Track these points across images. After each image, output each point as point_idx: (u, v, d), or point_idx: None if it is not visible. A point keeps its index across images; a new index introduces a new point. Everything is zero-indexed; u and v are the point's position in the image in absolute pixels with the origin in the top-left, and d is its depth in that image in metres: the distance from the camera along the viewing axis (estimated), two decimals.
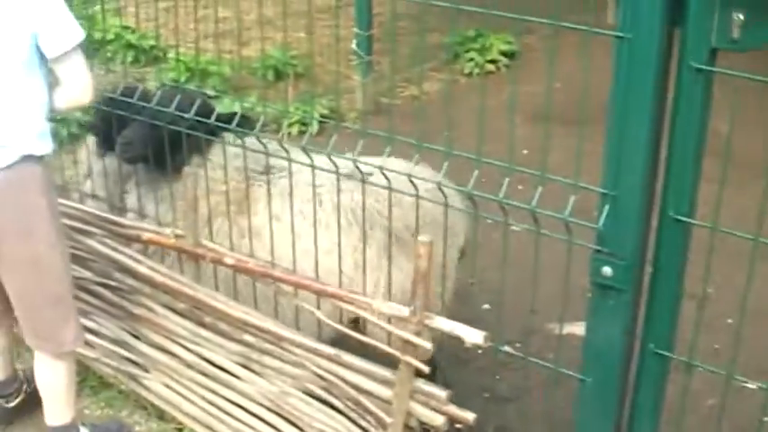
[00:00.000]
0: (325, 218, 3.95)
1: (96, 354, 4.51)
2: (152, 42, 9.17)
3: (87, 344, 4.55)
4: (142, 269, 4.12)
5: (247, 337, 3.87)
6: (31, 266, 3.76)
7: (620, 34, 2.73)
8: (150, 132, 4.10)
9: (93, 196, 4.57)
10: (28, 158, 3.64)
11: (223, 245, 4.04)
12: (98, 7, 8.14)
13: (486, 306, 5.55)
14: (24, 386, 4.47)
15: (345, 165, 3.57)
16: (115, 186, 4.46)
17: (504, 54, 9.43)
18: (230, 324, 3.91)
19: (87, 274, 4.40)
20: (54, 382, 4.03)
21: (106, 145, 4.41)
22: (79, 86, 3.67)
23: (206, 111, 3.97)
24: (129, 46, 9.26)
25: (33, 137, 3.65)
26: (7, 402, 4.45)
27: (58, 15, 3.58)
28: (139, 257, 4.19)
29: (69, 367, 4.04)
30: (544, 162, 3.05)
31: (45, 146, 3.71)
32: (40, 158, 3.70)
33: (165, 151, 4.12)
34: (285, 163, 3.81)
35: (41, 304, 3.85)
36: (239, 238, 4.07)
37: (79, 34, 3.64)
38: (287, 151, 3.73)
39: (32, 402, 4.33)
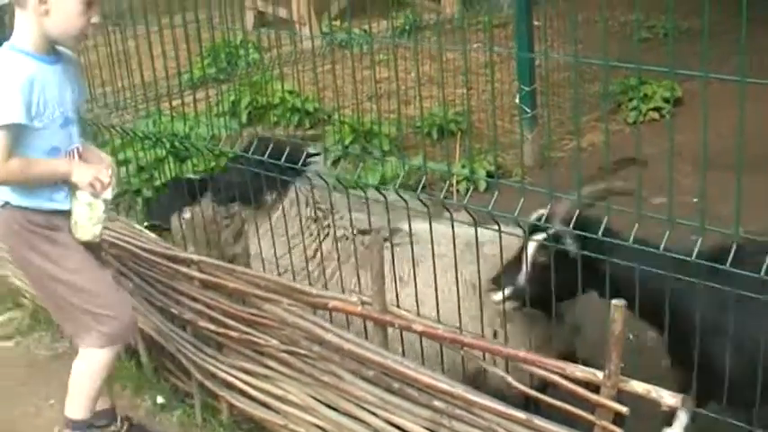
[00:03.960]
0: None
1: (283, 420, 4.56)
2: (315, 105, 9.34)
3: (273, 410, 4.63)
4: (329, 337, 4.16)
5: (437, 403, 3.85)
6: (38, 290, 4.56)
7: None
8: None
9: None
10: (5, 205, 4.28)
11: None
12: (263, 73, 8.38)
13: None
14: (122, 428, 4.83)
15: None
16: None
17: (666, 101, 9.32)
18: (419, 389, 3.91)
19: (274, 342, 4.47)
20: (76, 376, 4.52)
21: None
22: None
23: None
24: (294, 110, 9.44)
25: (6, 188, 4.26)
26: None
27: None
28: (326, 325, 4.23)
29: (90, 367, 4.48)
30: (737, 224, 2.99)
31: (15, 196, 4.26)
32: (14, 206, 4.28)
33: None
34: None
35: (60, 317, 4.59)
36: None
37: None
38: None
39: None
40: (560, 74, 9.58)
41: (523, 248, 4.00)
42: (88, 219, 4.35)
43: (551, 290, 3.79)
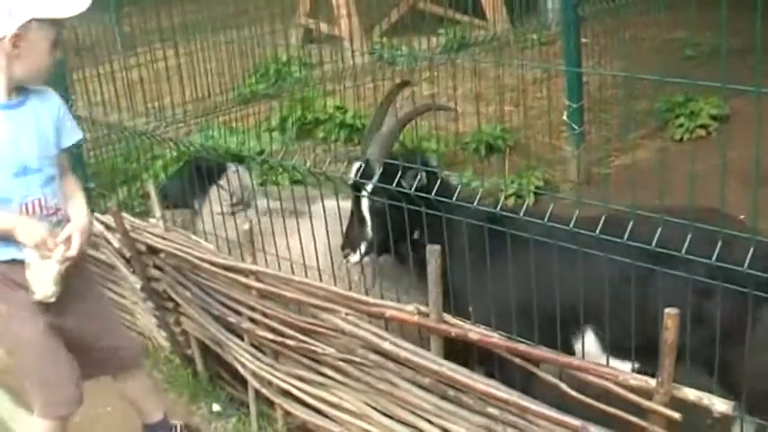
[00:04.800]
0: None
1: (339, 427, 4.64)
2: (364, 121, 9.42)
3: (328, 417, 4.71)
4: (385, 345, 4.23)
5: (491, 410, 3.91)
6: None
7: None
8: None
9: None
10: None
11: None
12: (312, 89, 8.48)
13: None
14: None
15: None
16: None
17: (713, 118, 9.32)
18: (474, 397, 3.97)
19: (330, 350, 4.54)
20: None
21: None
22: None
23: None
24: (342, 125, 9.54)
25: None
26: None
27: None
28: (383, 333, 4.29)
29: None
30: None
31: None
32: None
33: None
34: None
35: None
36: None
37: None
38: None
39: None
40: (607, 91, 9.63)
41: (356, 206, 4.40)
42: (34, 278, 4.08)
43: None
